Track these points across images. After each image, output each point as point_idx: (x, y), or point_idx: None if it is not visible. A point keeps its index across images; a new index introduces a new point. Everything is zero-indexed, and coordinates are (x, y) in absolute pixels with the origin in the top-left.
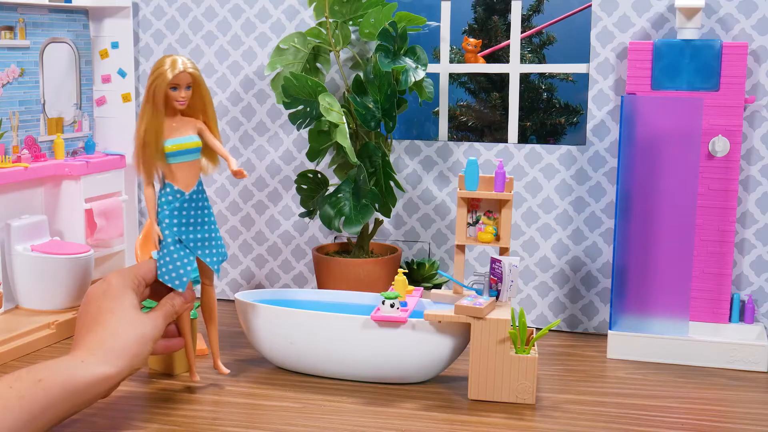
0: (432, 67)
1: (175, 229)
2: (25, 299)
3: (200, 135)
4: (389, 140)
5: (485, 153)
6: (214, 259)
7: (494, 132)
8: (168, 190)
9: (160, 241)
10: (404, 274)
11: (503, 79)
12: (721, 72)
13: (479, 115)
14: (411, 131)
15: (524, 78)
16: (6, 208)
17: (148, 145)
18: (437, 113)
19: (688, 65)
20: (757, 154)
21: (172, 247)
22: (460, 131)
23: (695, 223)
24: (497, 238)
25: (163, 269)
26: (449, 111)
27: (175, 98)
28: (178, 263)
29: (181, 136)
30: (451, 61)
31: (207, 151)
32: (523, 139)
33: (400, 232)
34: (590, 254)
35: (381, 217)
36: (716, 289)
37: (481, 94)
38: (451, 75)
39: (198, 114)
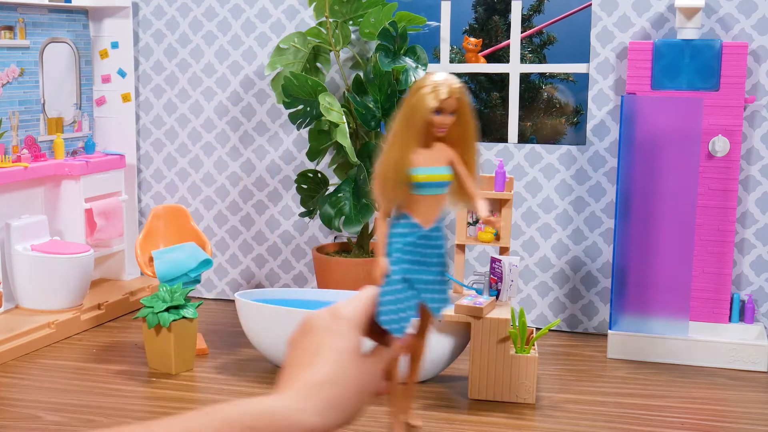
0: (432, 67)
1: (404, 266)
2: (25, 299)
3: (453, 168)
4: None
5: (485, 153)
6: (437, 305)
7: (495, 132)
8: (403, 221)
9: (384, 277)
10: None
11: (503, 78)
12: (721, 72)
13: (479, 114)
14: None
15: (524, 78)
16: (6, 208)
17: (397, 172)
18: None
19: (688, 65)
20: (757, 154)
21: (398, 286)
22: None
23: (695, 223)
24: (497, 237)
25: (383, 309)
26: None
27: (437, 125)
28: (401, 305)
29: (432, 166)
30: (452, 61)
31: (458, 187)
32: (523, 138)
33: None
34: (590, 254)
35: None
36: (716, 288)
37: (481, 93)
38: (451, 74)
39: (456, 143)
